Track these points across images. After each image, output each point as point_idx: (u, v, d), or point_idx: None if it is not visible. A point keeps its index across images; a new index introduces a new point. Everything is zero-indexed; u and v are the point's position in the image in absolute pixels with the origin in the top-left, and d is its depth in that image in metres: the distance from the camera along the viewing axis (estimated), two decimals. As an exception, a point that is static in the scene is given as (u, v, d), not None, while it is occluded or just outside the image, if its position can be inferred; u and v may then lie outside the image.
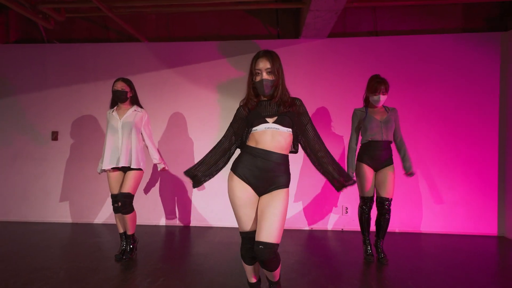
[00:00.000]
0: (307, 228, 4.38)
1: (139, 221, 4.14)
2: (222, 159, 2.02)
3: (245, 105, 1.96)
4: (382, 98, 3.03)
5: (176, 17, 4.59)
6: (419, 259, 3.25)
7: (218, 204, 4.44)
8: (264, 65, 1.87)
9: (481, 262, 3.17)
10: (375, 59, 4.26)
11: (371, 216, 3.24)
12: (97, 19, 4.64)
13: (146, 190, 4.51)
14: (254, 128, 1.90)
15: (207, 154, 2.05)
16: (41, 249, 3.41)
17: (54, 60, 4.61)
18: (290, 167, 1.99)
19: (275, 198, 1.87)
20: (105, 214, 4.55)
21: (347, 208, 4.32)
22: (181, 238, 3.97)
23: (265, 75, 1.87)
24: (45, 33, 4.68)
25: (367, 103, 3.17)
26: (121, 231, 3.20)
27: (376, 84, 3.02)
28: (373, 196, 3.17)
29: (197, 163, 2.03)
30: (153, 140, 3.31)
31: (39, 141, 4.61)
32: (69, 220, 4.60)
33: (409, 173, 3.14)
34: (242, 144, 2.02)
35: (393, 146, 3.21)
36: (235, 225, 4.34)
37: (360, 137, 3.22)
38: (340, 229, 4.34)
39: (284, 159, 1.92)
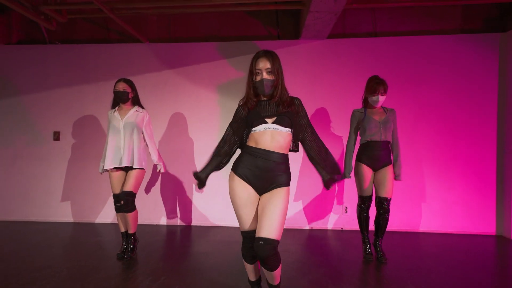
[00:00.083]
0: (307, 227, 4.41)
1: (140, 221, 4.17)
2: (225, 159, 2.08)
3: (244, 104, 1.98)
4: (381, 98, 3.06)
5: (177, 18, 4.62)
6: (418, 258, 3.27)
7: (219, 203, 4.47)
8: (264, 65, 1.89)
9: (479, 261, 3.20)
10: (375, 60, 4.29)
11: (370, 215, 3.27)
12: (98, 20, 4.68)
13: (147, 189, 4.54)
14: (253, 129, 1.92)
15: (209, 160, 2.11)
16: (43, 248, 3.44)
17: (56, 60, 4.64)
18: (290, 166, 2.01)
19: (276, 196, 1.90)
20: (106, 213, 4.58)
21: (346, 207, 4.35)
22: (182, 238, 4.00)
23: (265, 75, 1.89)
24: (47, 34, 4.72)
25: (366, 103, 3.20)
26: (123, 230, 3.22)
27: (375, 85, 3.04)
28: (372, 195, 3.20)
29: (202, 168, 2.11)
30: (154, 140, 3.34)
31: (41, 141, 4.64)
32: (70, 219, 4.63)
33: (396, 179, 3.18)
34: (242, 144, 2.04)
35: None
36: (236, 224, 4.37)
37: (359, 138, 3.25)
38: (340, 229, 4.37)
39: (284, 158, 1.95)
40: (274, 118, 1.91)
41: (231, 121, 2.06)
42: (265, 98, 1.97)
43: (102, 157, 3.26)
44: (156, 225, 4.52)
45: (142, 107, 3.28)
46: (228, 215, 4.41)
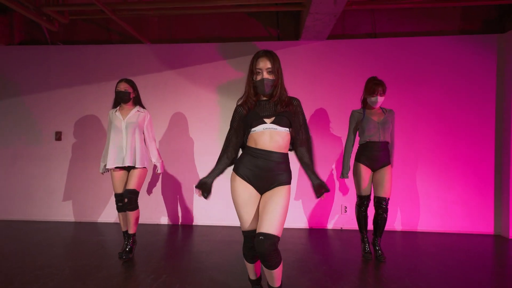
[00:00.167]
0: (307, 227, 4.44)
1: (142, 220, 4.19)
2: (232, 163, 2.08)
3: (244, 103, 1.99)
4: (380, 99, 3.09)
5: (178, 19, 4.66)
6: (417, 257, 3.30)
7: (219, 203, 4.50)
8: (264, 64, 1.91)
9: (477, 260, 3.22)
10: (374, 61, 4.32)
11: (369, 215, 3.30)
12: (100, 21, 4.71)
13: (149, 190, 4.58)
14: (253, 129, 1.94)
15: (216, 165, 2.07)
16: (45, 248, 3.47)
17: (58, 61, 4.67)
18: (290, 165, 2.03)
19: (277, 194, 1.92)
20: (107, 213, 4.61)
21: (346, 207, 4.39)
22: (183, 237, 4.03)
23: (265, 75, 1.91)
24: (48, 35, 4.75)
25: (365, 104, 3.23)
26: (124, 229, 3.25)
27: (373, 86, 3.07)
28: (370, 195, 3.23)
29: (208, 174, 2.06)
30: (155, 140, 3.37)
31: (42, 141, 4.67)
32: (72, 219, 4.66)
33: None
34: (243, 144, 2.07)
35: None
36: (236, 224, 4.40)
37: (357, 138, 3.28)
38: (339, 228, 4.40)
39: (284, 157, 1.97)
40: (273, 118, 1.93)
41: (232, 122, 2.06)
42: (264, 98, 1.99)
43: (102, 157, 3.29)
44: (157, 224, 4.55)
45: (143, 107, 3.31)
46: (228, 214, 4.44)
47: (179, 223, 4.58)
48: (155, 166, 3.35)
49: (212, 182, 2.04)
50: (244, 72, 4.33)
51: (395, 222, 4.32)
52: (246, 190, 1.96)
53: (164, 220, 4.59)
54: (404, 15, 4.40)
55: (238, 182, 1.98)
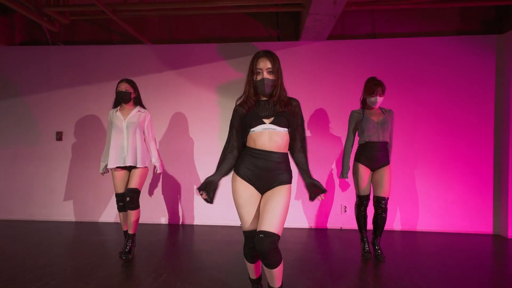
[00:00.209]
0: (306, 226, 4.46)
1: (142, 220, 4.22)
2: (235, 163, 2.07)
3: (244, 103, 2.00)
4: (379, 99, 3.10)
5: (179, 19, 4.67)
6: (416, 256, 3.32)
7: (219, 203, 4.51)
8: (265, 64, 1.92)
9: (476, 260, 3.24)
10: (373, 61, 4.34)
11: (368, 215, 3.32)
12: (100, 22, 4.73)
13: (150, 191, 4.59)
14: (252, 129, 1.95)
15: (218, 166, 2.04)
16: (46, 247, 3.49)
17: (58, 61, 4.69)
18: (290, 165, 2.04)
19: (278, 192, 1.93)
20: (108, 212, 4.63)
21: (345, 207, 4.41)
22: (183, 236, 4.05)
23: (266, 74, 1.93)
24: (49, 35, 4.77)
25: (364, 104, 3.24)
26: (125, 229, 3.27)
27: (373, 86, 3.09)
28: (369, 195, 3.25)
29: (213, 174, 2.02)
30: (155, 140, 3.39)
31: (43, 141, 4.69)
32: (72, 218, 4.68)
33: None
34: (243, 143, 2.07)
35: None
36: (236, 223, 4.42)
37: (357, 138, 3.30)
38: (339, 228, 4.42)
39: (284, 157, 1.99)
40: (272, 119, 1.94)
41: (232, 121, 2.05)
42: (264, 98, 2.01)
43: (102, 156, 3.30)
44: (158, 224, 4.57)
45: (144, 107, 3.33)
46: (228, 214, 4.46)
47: (179, 223, 4.60)
48: (154, 166, 3.36)
49: (219, 181, 2.01)
50: (244, 72, 4.35)
51: (395, 222, 4.34)
52: (247, 190, 1.98)
53: (164, 220, 4.61)
54: (403, 16, 4.42)
55: (238, 182, 1.99)
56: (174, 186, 4.59)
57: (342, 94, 4.40)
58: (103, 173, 3.32)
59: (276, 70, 1.94)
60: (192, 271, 2.86)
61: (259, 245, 1.84)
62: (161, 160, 3.38)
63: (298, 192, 4.43)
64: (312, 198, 1.96)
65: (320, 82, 4.44)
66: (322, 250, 3.51)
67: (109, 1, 4.01)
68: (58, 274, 2.75)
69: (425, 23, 4.40)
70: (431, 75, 4.30)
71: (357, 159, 3.24)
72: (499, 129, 4.20)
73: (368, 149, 3.16)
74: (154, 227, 4.39)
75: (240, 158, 2.03)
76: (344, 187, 4.41)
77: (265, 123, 1.94)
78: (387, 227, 4.11)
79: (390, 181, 3.18)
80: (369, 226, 3.46)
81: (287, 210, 1.95)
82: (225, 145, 2.08)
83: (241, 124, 2.02)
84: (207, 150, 4.55)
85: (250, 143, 1.97)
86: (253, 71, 1.96)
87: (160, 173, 3.38)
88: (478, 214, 4.23)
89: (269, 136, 1.93)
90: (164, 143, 4.60)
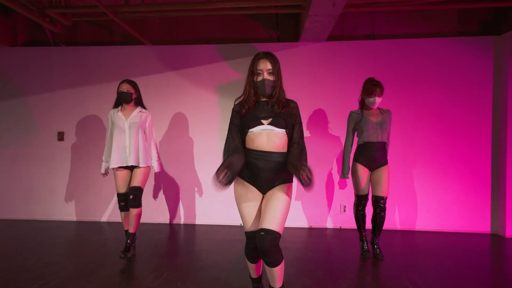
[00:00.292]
0: (306, 226, 4.49)
1: (144, 219, 4.25)
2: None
3: (244, 103, 2.01)
4: (378, 100, 3.14)
5: (179, 21, 4.71)
6: (414, 255, 3.36)
7: (220, 203, 4.56)
8: (265, 65, 1.95)
9: (474, 259, 3.28)
10: (373, 62, 4.37)
11: (367, 214, 3.35)
12: (102, 23, 4.76)
13: (154, 193, 4.63)
14: (250, 130, 1.98)
15: (235, 150, 1.97)
16: (48, 246, 3.52)
17: (60, 62, 4.73)
18: None
19: (279, 191, 1.96)
20: (109, 212, 4.66)
21: (345, 206, 4.44)
22: (184, 236, 4.09)
23: (266, 75, 1.95)
24: (51, 36, 4.80)
25: (363, 105, 3.28)
26: (127, 228, 3.30)
27: (371, 87, 3.12)
28: (368, 194, 3.29)
29: (233, 154, 1.94)
30: (155, 140, 3.42)
31: (45, 141, 4.72)
32: (74, 218, 4.71)
33: None
34: (243, 141, 2.07)
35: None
36: (236, 223, 4.46)
37: (355, 138, 3.33)
38: (338, 227, 4.45)
39: (283, 157, 2.01)
40: (270, 120, 1.97)
41: (232, 119, 2.06)
42: (264, 99, 2.03)
43: (104, 157, 3.31)
44: (159, 223, 4.60)
45: (145, 108, 3.37)
46: (229, 214, 4.50)
47: (180, 223, 4.63)
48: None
49: (242, 162, 1.90)
50: (244, 73, 4.37)
51: (394, 221, 4.37)
52: (248, 192, 2.01)
53: (165, 219, 4.65)
54: (402, 17, 4.45)
55: (240, 184, 2.02)
56: (175, 186, 4.62)
57: (341, 94, 4.43)
58: (104, 174, 3.33)
59: (276, 71, 1.97)
60: (193, 270, 2.90)
61: (260, 242, 1.86)
62: (160, 160, 3.41)
63: (298, 193, 4.46)
64: (302, 182, 1.81)
65: (319, 82, 4.48)
66: (322, 249, 3.54)
67: (111, 3, 4.05)
68: (60, 273, 2.78)
69: (424, 24, 4.43)
70: (430, 76, 4.34)
71: (356, 159, 3.27)
72: (497, 129, 4.23)
73: (367, 149, 3.19)
74: (155, 227, 4.42)
75: None
76: (343, 187, 4.43)
77: (263, 124, 1.96)
78: (386, 226, 4.13)
79: (389, 181, 3.21)
80: (368, 225, 3.49)
81: (288, 209, 1.97)
82: (226, 143, 2.06)
83: (239, 122, 2.03)
84: (207, 150, 4.59)
85: (249, 144, 2.00)
86: (253, 72, 1.98)
87: (158, 172, 3.40)
88: (476, 213, 4.27)
89: (267, 137, 1.95)
90: (164, 143, 4.63)
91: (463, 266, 3.05)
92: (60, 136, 4.71)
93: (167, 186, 4.64)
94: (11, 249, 3.40)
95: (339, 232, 4.29)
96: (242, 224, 2.08)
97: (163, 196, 4.64)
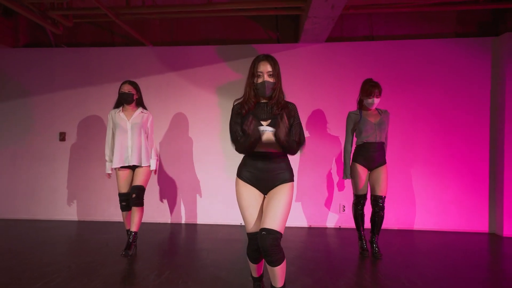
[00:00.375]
0: (306, 225, 4.53)
1: (145, 219, 4.28)
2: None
3: (244, 104, 2.04)
4: (376, 101, 3.17)
5: (180, 22, 4.74)
6: (413, 255, 3.39)
7: (220, 202, 4.59)
8: (265, 68, 1.98)
9: (472, 258, 3.31)
10: (371, 63, 4.41)
11: (365, 213, 3.39)
12: (103, 24, 4.79)
13: (151, 189, 4.65)
14: None
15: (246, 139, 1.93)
16: (50, 246, 3.55)
17: (62, 63, 4.76)
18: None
19: (280, 191, 1.99)
20: (110, 212, 4.70)
21: (344, 206, 4.47)
22: (185, 235, 4.12)
23: (266, 77, 1.99)
24: (53, 37, 4.84)
25: (361, 105, 3.31)
26: (128, 227, 3.34)
27: (370, 88, 3.15)
28: (367, 194, 3.32)
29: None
30: (153, 140, 3.45)
31: (46, 142, 4.76)
32: (75, 218, 4.75)
33: None
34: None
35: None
36: (237, 222, 4.49)
37: (354, 139, 3.36)
38: (338, 227, 4.49)
39: (283, 157, 2.05)
40: (269, 121, 2.00)
41: (233, 118, 2.06)
42: (263, 100, 2.06)
43: (107, 157, 3.31)
44: (159, 223, 4.64)
45: (145, 108, 3.40)
46: (229, 214, 4.53)
47: (181, 222, 4.67)
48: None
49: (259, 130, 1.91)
50: (243, 74, 4.42)
51: (393, 220, 4.40)
52: (250, 193, 2.03)
53: (166, 219, 4.68)
54: (401, 18, 4.49)
55: (241, 185, 2.05)
56: (176, 185, 4.66)
57: (341, 95, 4.47)
58: (110, 174, 3.33)
59: (276, 73, 2.01)
60: (193, 268, 2.93)
61: (262, 242, 1.89)
62: (157, 159, 3.42)
63: (298, 193, 4.50)
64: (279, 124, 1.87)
65: (319, 83, 4.51)
66: (321, 249, 3.57)
67: (112, 5, 4.08)
68: (63, 271, 2.82)
69: (423, 26, 4.47)
70: (428, 76, 4.37)
71: (355, 160, 3.30)
72: (495, 129, 4.27)
73: (365, 149, 3.23)
74: (156, 226, 4.45)
75: (242, 162, 2.10)
76: (341, 188, 4.48)
77: (262, 125, 1.99)
78: (385, 225, 4.17)
79: (387, 180, 3.25)
80: (367, 224, 3.53)
81: (290, 208, 2.00)
82: (232, 136, 2.04)
83: (240, 119, 2.04)
84: (207, 150, 4.63)
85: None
86: (253, 74, 2.01)
87: (154, 171, 3.39)
88: (474, 213, 4.30)
89: (266, 138, 1.97)
90: (165, 143, 4.67)
91: (461, 265, 3.09)
92: (62, 137, 4.75)
93: (168, 186, 4.67)
94: (13, 249, 3.43)
95: (338, 231, 4.32)
96: (243, 224, 2.12)
97: (164, 196, 4.68)
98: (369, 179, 3.30)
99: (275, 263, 1.93)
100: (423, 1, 3.97)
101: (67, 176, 4.75)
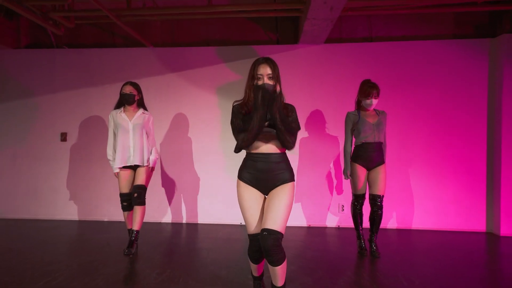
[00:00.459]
0: (305, 225, 4.56)
1: (146, 219, 4.30)
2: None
3: (244, 105, 2.06)
4: (374, 102, 3.20)
5: (180, 23, 4.77)
6: (411, 253, 3.42)
7: (220, 202, 4.62)
8: (265, 70, 2.00)
9: (470, 257, 3.34)
10: (370, 64, 4.44)
11: (364, 213, 3.42)
12: (104, 26, 4.82)
13: (152, 189, 4.68)
14: None
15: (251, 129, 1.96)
16: (52, 245, 3.58)
17: (63, 64, 4.79)
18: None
19: (281, 191, 2.01)
20: (111, 211, 4.73)
21: (343, 206, 4.51)
22: (186, 234, 4.15)
23: (266, 80, 2.01)
24: (54, 38, 4.87)
25: (359, 106, 3.34)
26: (130, 227, 3.37)
27: (368, 89, 3.18)
28: (365, 193, 3.36)
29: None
30: (154, 140, 3.50)
31: (48, 142, 4.79)
32: (76, 217, 4.77)
33: None
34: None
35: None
36: (237, 222, 4.52)
37: (353, 139, 3.40)
38: (337, 226, 4.52)
39: (283, 157, 2.07)
40: (268, 122, 2.00)
41: (233, 117, 2.06)
42: None
43: (110, 157, 3.34)
44: (160, 223, 4.67)
45: (146, 109, 3.44)
46: (229, 214, 4.56)
47: (181, 222, 4.70)
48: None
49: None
50: (243, 75, 4.44)
51: (391, 220, 4.44)
52: (251, 194, 2.05)
53: (167, 218, 4.71)
54: (400, 20, 4.53)
55: (242, 187, 2.07)
56: (176, 185, 4.69)
57: (340, 95, 4.50)
58: (117, 173, 3.31)
59: (276, 76, 2.03)
60: (194, 267, 2.96)
61: (263, 242, 1.91)
62: (156, 158, 3.43)
63: (298, 193, 4.53)
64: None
65: (318, 84, 4.55)
66: (321, 248, 3.61)
67: (113, 6, 4.11)
68: (65, 270, 2.84)
69: (422, 27, 4.50)
70: (427, 77, 4.41)
71: (354, 160, 3.34)
72: (492, 129, 4.30)
73: (364, 149, 3.26)
74: (157, 226, 4.49)
75: (242, 163, 2.12)
76: (340, 192, 4.52)
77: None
78: (383, 225, 4.21)
79: (385, 180, 3.29)
80: (366, 224, 3.56)
81: (291, 208, 2.02)
82: (234, 132, 2.05)
83: (240, 119, 2.04)
84: (207, 150, 4.66)
85: (249, 147, 2.05)
86: (253, 76, 2.03)
87: (151, 168, 3.40)
88: (471, 212, 4.34)
89: (266, 138, 2.00)
90: (165, 143, 4.70)
91: (459, 264, 3.12)
92: (63, 137, 4.78)
93: (169, 186, 4.70)
94: (14, 248, 3.45)
95: (337, 230, 4.36)
96: (243, 224, 2.14)
97: (165, 195, 4.71)
98: (367, 179, 3.33)
99: (276, 263, 1.95)
100: (421, 3, 4.01)
101: (68, 176, 4.78)
